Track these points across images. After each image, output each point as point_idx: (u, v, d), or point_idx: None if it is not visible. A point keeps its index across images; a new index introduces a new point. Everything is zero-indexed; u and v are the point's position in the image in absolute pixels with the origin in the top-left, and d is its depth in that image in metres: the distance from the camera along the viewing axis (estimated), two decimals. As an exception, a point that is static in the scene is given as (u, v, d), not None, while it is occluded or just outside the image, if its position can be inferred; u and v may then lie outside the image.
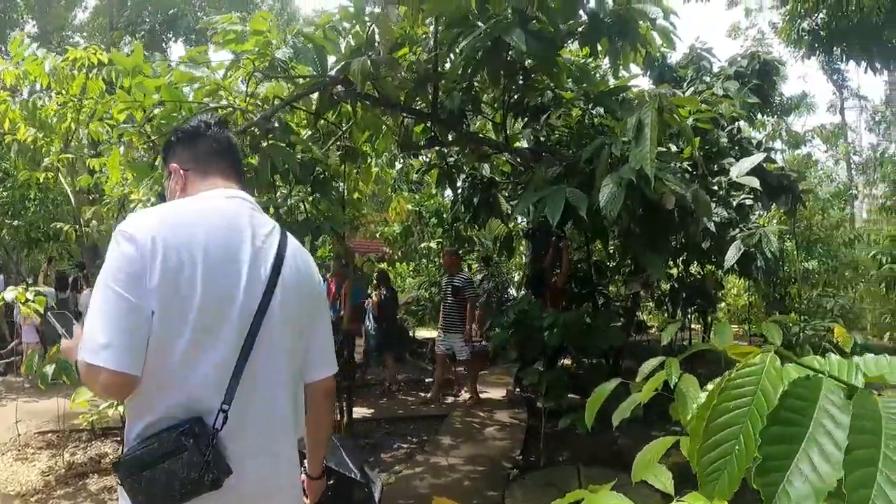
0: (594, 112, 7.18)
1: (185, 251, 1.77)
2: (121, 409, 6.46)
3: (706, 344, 1.73)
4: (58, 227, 13.02)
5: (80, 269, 12.46)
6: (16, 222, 14.01)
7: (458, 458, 6.99)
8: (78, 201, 8.00)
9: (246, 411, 1.81)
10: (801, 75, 76.85)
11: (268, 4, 27.29)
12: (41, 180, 8.67)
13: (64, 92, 7.29)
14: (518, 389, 9.49)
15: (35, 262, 17.32)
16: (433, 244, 10.60)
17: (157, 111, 5.07)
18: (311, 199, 5.68)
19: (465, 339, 9.09)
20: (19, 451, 7.58)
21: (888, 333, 13.58)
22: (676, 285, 10.03)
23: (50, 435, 8.03)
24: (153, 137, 5.17)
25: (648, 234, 5.06)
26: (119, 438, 7.72)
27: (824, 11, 11.59)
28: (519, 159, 6.76)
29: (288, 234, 2.09)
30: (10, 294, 6.15)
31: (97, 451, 7.45)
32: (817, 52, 13.80)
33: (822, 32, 12.35)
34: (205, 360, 1.78)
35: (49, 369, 5.65)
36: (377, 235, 11.19)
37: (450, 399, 9.71)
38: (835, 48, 12.94)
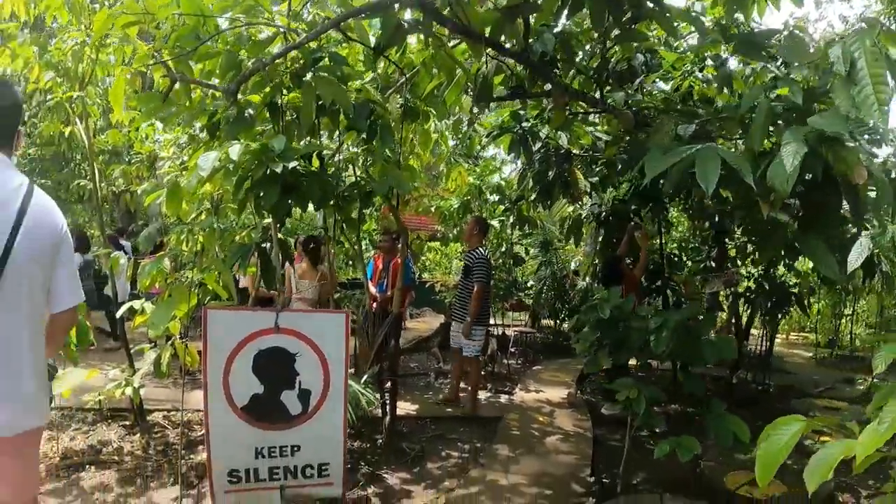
0: (700, 76, 5.85)
1: None
2: (129, 390, 5.60)
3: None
4: (80, 184, 12.08)
5: (120, 234, 11.39)
6: (42, 181, 13.07)
7: (519, 475, 5.73)
8: (92, 153, 6.75)
9: None
10: None
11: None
12: (66, 133, 7.52)
13: (84, 27, 6.14)
14: (579, 393, 8.15)
15: (70, 225, 16.36)
16: (495, 223, 9.21)
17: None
18: (365, 149, 4.42)
19: (463, 331, 7.58)
20: (14, 431, 6.48)
21: None
22: (766, 286, 8.61)
23: (53, 413, 6.92)
24: (168, 61, 3.95)
25: (818, 217, 3.74)
26: (127, 423, 6.63)
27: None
28: (621, 122, 5.39)
29: (36, 189, 2.47)
30: None
31: (100, 438, 6.40)
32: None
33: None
34: None
35: None
36: (431, 210, 9.85)
37: (503, 398, 8.40)
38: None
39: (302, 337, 3.87)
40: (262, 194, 3.68)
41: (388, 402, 6.25)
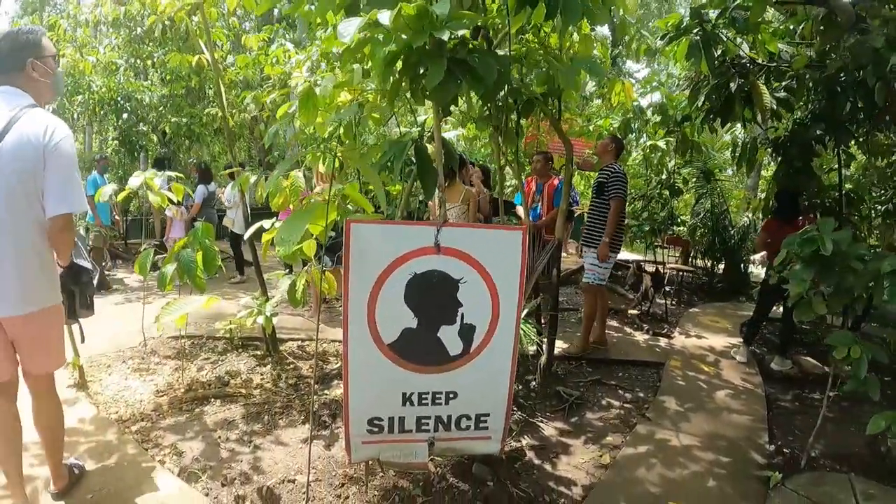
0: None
1: None
2: (260, 319, 5.37)
3: None
4: (210, 113, 11.73)
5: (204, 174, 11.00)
6: (175, 119, 12.80)
7: (691, 435, 4.79)
8: (219, 73, 6.15)
9: None
10: None
11: None
12: (193, 64, 7.01)
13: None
14: (747, 343, 7.02)
15: (200, 158, 16.23)
16: (660, 143, 7.97)
17: None
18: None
19: (599, 253, 6.39)
20: (142, 359, 6.11)
21: None
22: None
23: (184, 341, 6.50)
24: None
25: None
26: (259, 354, 6.10)
27: None
28: (840, 18, 4.18)
29: (30, 111, 2.79)
30: (135, 180, 5.25)
31: (229, 368, 5.85)
32: None
33: None
34: None
35: (169, 269, 4.61)
36: (590, 129, 8.70)
37: (662, 341, 7.38)
38: None
39: (468, 259, 3.03)
40: (422, 71, 2.80)
41: (545, 340, 5.41)
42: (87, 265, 3.72)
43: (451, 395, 3.26)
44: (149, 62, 13.39)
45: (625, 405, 5.36)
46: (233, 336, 6.38)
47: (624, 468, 4.25)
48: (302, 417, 4.83)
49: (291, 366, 5.93)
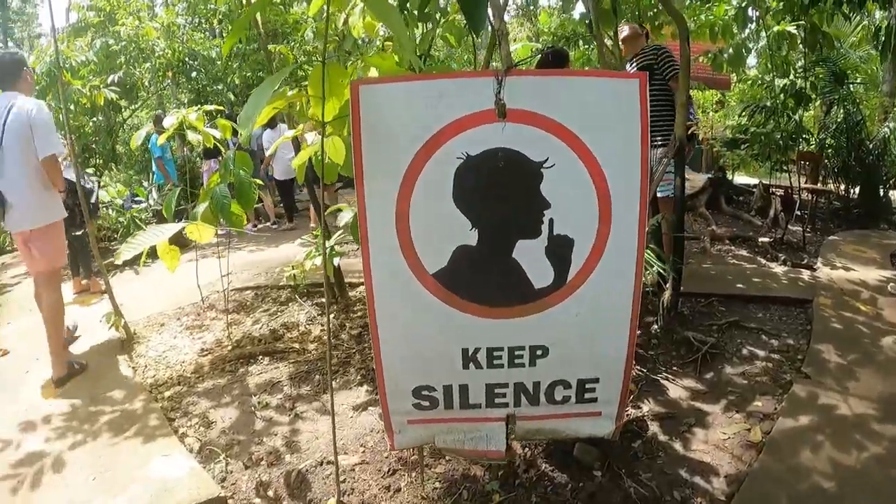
0: None
1: None
2: (318, 260, 4.50)
3: None
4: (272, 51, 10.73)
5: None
6: (243, 70, 11.89)
7: (866, 401, 3.33)
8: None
9: (2, 181, 3.92)
10: None
11: None
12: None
13: None
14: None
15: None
16: (790, 28, 6.17)
17: None
18: None
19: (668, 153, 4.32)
20: (197, 315, 5.22)
21: None
22: None
23: (248, 293, 5.59)
24: None
25: None
26: (319, 301, 5.08)
27: None
28: None
29: (20, 99, 3.96)
30: (170, 118, 4.57)
31: (287, 320, 4.87)
32: None
33: None
34: None
35: (201, 208, 3.81)
36: (701, 18, 6.91)
37: (804, 273, 5.85)
38: None
39: (553, 127, 1.81)
40: None
41: (669, 270, 4.07)
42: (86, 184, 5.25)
43: (539, 352, 2.04)
44: (215, 20, 12.53)
45: (771, 355, 3.97)
46: (297, 283, 5.34)
47: (783, 449, 2.90)
48: (359, 377, 3.76)
49: (359, 313, 4.84)
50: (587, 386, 2.15)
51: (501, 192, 1.83)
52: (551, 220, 1.87)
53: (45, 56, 9.86)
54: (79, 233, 5.89)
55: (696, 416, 3.23)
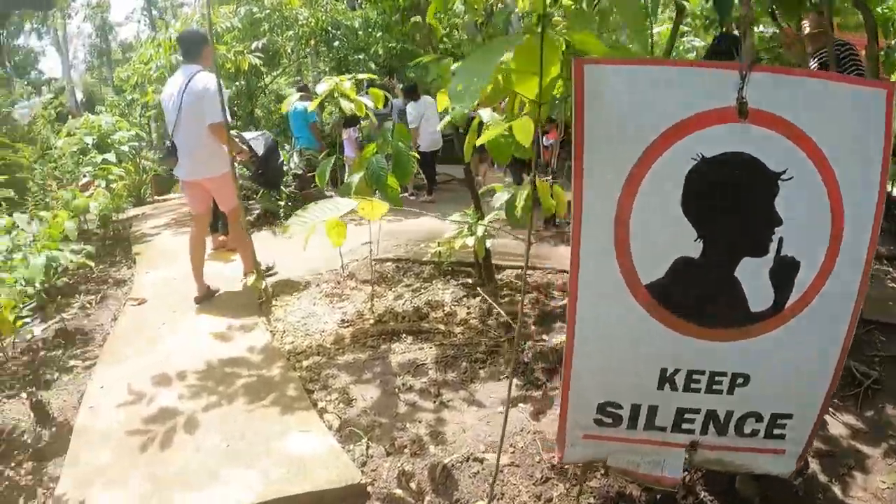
0: None
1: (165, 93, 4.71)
2: (470, 241, 4.24)
3: None
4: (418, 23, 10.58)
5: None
6: (387, 42, 11.88)
7: None
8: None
9: (178, 138, 4.65)
10: None
11: None
12: None
13: None
14: None
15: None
16: None
17: None
18: None
19: None
20: (337, 284, 5.22)
21: None
22: None
23: (388, 265, 5.59)
24: None
25: None
26: (469, 282, 4.98)
27: None
28: None
29: (199, 73, 4.55)
30: (322, 85, 4.43)
31: (431, 298, 4.79)
32: None
33: None
34: (168, 122, 4.73)
35: (355, 178, 3.71)
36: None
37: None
38: None
39: (796, 135, 1.59)
40: None
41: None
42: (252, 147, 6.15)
43: (740, 380, 1.83)
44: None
45: None
46: (442, 260, 5.21)
47: None
48: (509, 369, 3.62)
49: (507, 299, 4.67)
50: (779, 421, 1.93)
51: (733, 202, 1.63)
52: (780, 239, 1.66)
53: (191, 23, 10.20)
54: None
55: (856, 458, 2.89)
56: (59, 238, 5.00)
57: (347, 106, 4.54)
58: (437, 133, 8.67)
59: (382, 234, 6.27)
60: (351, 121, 8.81)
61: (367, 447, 2.88)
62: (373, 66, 12.06)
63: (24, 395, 3.81)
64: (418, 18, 6.41)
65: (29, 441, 3.32)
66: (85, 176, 7.68)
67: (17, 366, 4.38)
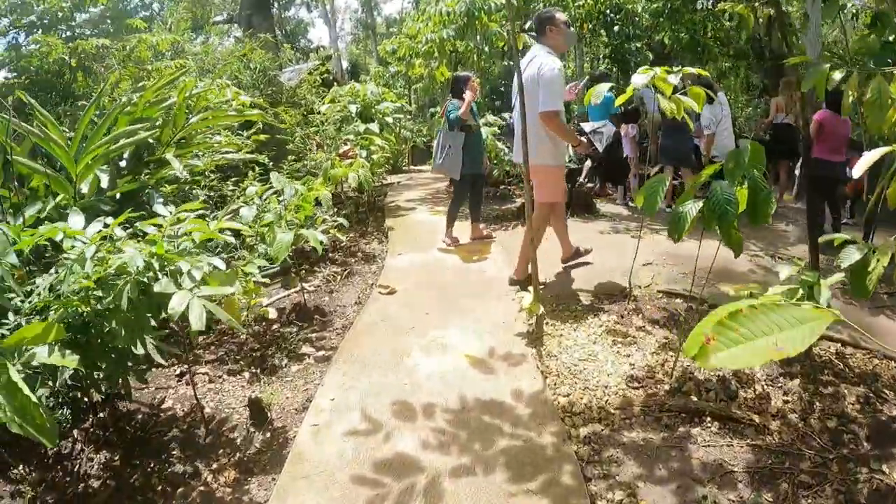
0: None
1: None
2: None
3: None
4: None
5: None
6: (674, 29, 10.64)
7: None
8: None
9: (514, 118, 4.82)
10: None
11: None
12: None
13: None
14: None
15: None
16: None
17: None
18: None
19: None
20: (620, 318, 4.27)
21: None
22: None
23: (678, 301, 4.47)
24: None
25: None
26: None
27: None
28: None
29: (541, 53, 4.46)
30: (640, 77, 3.55)
31: (738, 369, 3.56)
32: None
33: None
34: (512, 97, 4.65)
35: (690, 208, 2.98)
36: None
37: None
38: None
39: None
40: None
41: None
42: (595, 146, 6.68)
43: None
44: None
45: None
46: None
47: None
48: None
49: (830, 389, 3.36)
50: None
51: None
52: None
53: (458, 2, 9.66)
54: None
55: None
56: (312, 202, 4.50)
57: (668, 106, 3.58)
58: (732, 139, 7.20)
59: (662, 252, 5.19)
60: (631, 115, 7.78)
61: None
62: (650, 55, 10.96)
63: (246, 374, 3.59)
64: (770, 11, 5.15)
65: (239, 442, 2.99)
66: (346, 143, 7.46)
67: (246, 335, 4.02)
